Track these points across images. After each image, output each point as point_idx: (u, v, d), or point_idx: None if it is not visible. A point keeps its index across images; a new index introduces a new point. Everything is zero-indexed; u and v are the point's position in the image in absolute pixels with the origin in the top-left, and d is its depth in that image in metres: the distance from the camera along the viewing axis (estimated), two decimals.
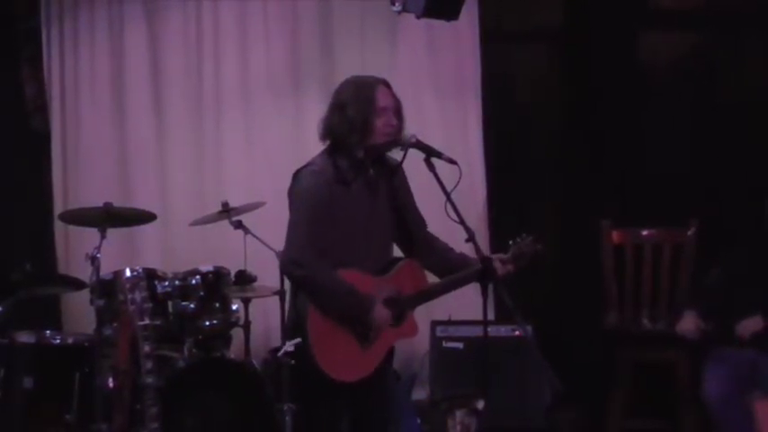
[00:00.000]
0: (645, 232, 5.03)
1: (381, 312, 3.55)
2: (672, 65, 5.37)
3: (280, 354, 3.67)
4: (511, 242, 3.71)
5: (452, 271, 3.69)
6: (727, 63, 5.31)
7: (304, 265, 3.48)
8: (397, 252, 3.81)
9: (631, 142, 5.30)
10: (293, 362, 3.68)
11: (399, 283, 3.66)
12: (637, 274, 5.01)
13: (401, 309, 3.65)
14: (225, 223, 4.90)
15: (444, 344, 5.05)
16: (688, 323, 4.52)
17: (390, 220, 3.71)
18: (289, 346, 3.59)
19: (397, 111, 3.60)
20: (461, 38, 5.45)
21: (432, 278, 3.79)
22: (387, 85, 3.62)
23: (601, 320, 4.89)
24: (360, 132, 3.51)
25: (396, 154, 3.65)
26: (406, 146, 3.58)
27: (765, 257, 4.60)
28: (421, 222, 3.81)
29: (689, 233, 4.94)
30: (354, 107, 3.52)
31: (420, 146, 3.55)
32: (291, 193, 3.60)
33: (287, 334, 3.71)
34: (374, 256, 3.64)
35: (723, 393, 4.35)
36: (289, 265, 3.53)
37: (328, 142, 3.62)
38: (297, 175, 3.61)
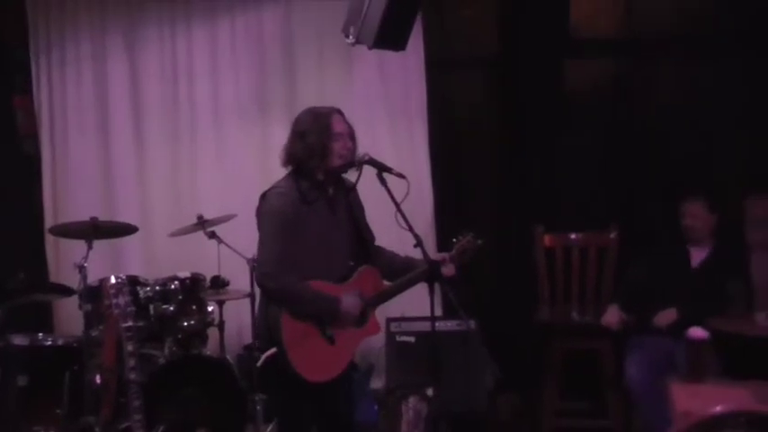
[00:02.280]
0: (573, 236, 5.06)
1: (349, 302, 3.56)
2: (591, 88, 5.39)
3: (258, 364, 3.64)
4: (454, 240, 3.76)
5: (399, 273, 3.73)
6: (640, 86, 5.33)
7: (277, 278, 3.47)
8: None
9: (558, 157, 5.32)
10: (270, 368, 3.64)
11: (360, 287, 3.68)
12: (566, 273, 5.04)
13: (364, 309, 3.66)
14: (200, 234, 4.89)
15: (398, 338, 5.02)
16: (611, 315, 4.57)
17: (348, 234, 3.73)
18: (266, 357, 3.57)
19: (351, 135, 3.63)
20: (409, 66, 5.44)
21: None
22: (340, 113, 3.64)
23: (535, 314, 4.90)
24: (319, 156, 3.54)
25: (351, 175, 3.68)
26: (360, 163, 3.61)
27: (677, 256, 4.65)
28: (371, 236, 3.85)
29: (611, 236, 4.98)
30: (313, 135, 3.55)
31: (372, 162, 3.58)
32: (260, 213, 3.60)
33: (261, 344, 3.70)
34: (336, 265, 3.65)
35: (642, 377, 4.38)
36: (262, 278, 3.52)
37: (291, 167, 3.62)
38: (264, 196, 3.61)
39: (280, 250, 3.48)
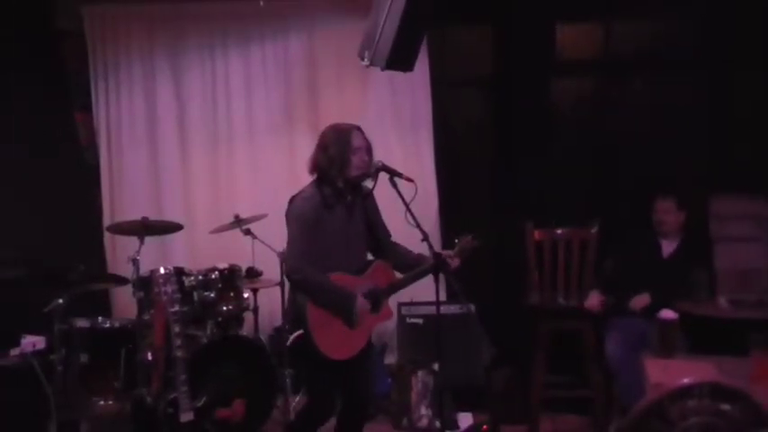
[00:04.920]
0: (559, 231, 5.02)
1: (362, 304, 3.57)
2: (574, 103, 5.36)
3: (288, 344, 3.64)
4: (456, 240, 3.75)
5: (411, 267, 3.72)
6: (616, 100, 5.29)
7: (302, 271, 3.48)
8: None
9: (546, 163, 5.28)
10: (298, 347, 3.64)
11: (375, 279, 3.68)
12: (553, 263, 4.99)
13: (378, 299, 3.67)
14: (237, 231, 4.89)
15: (408, 320, 5.05)
16: (592, 300, 4.56)
17: (364, 233, 3.73)
18: (294, 338, 3.57)
19: (368, 149, 3.62)
20: (416, 85, 5.42)
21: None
22: (360, 130, 3.63)
23: (526, 299, 4.87)
24: (339, 167, 3.54)
25: (367, 182, 3.67)
26: (375, 170, 3.60)
27: (649, 248, 4.63)
28: (386, 233, 3.85)
29: (592, 231, 4.93)
30: (335, 148, 3.54)
31: (385, 169, 3.58)
32: (288, 215, 3.60)
33: (290, 326, 3.71)
34: (353, 260, 3.65)
35: (620, 353, 4.36)
36: (290, 271, 3.53)
37: (316, 175, 3.62)
38: (292, 200, 3.61)
39: (304, 247, 3.48)
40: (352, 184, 3.62)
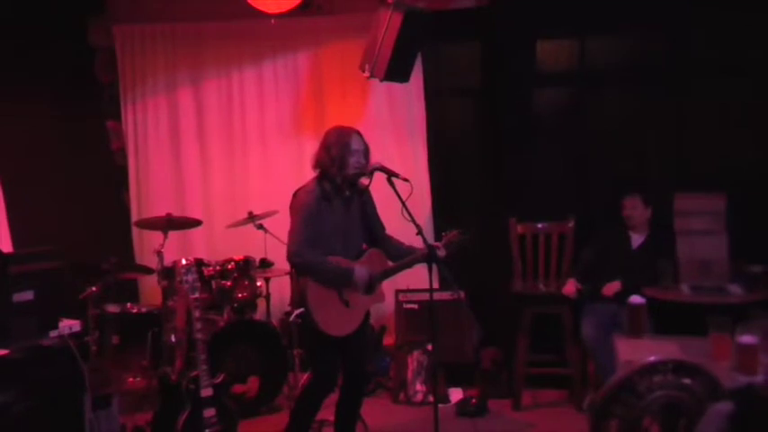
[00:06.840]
0: (539, 225, 5.03)
1: (361, 272, 3.57)
2: (553, 110, 5.33)
3: (291, 319, 3.65)
4: (443, 234, 3.78)
5: (403, 257, 3.74)
6: (590, 108, 5.25)
7: (302, 255, 3.48)
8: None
9: (528, 165, 5.27)
10: (300, 324, 3.65)
11: (369, 265, 3.68)
12: (534, 254, 5.01)
13: (373, 282, 3.67)
14: (250, 226, 4.90)
15: (405, 305, 5.04)
16: (570, 287, 4.57)
17: (360, 225, 3.74)
18: (296, 315, 3.58)
19: (365, 152, 3.63)
20: (411, 94, 5.41)
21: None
22: (359, 134, 3.64)
23: (510, 286, 4.87)
24: (338, 166, 3.55)
25: (364, 180, 3.68)
26: (373, 170, 3.61)
27: (620, 241, 4.64)
28: (381, 226, 3.86)
29: (569, 225, 4.95)
30: (336, 148, 3.56)
31: (383, 169, 3.59)
32: (292, 206, 3.61)
33: (293, 306, 3.70)
34: (349, 248, 3.66)
35: (594, 334, 4.38)
36: (291, 256, 3.53)
37: (318, 171, 3.63)
38: (295, 193, 3.63)
39: (305, 234, 3.49)
40: (349, 181, 3.62)
